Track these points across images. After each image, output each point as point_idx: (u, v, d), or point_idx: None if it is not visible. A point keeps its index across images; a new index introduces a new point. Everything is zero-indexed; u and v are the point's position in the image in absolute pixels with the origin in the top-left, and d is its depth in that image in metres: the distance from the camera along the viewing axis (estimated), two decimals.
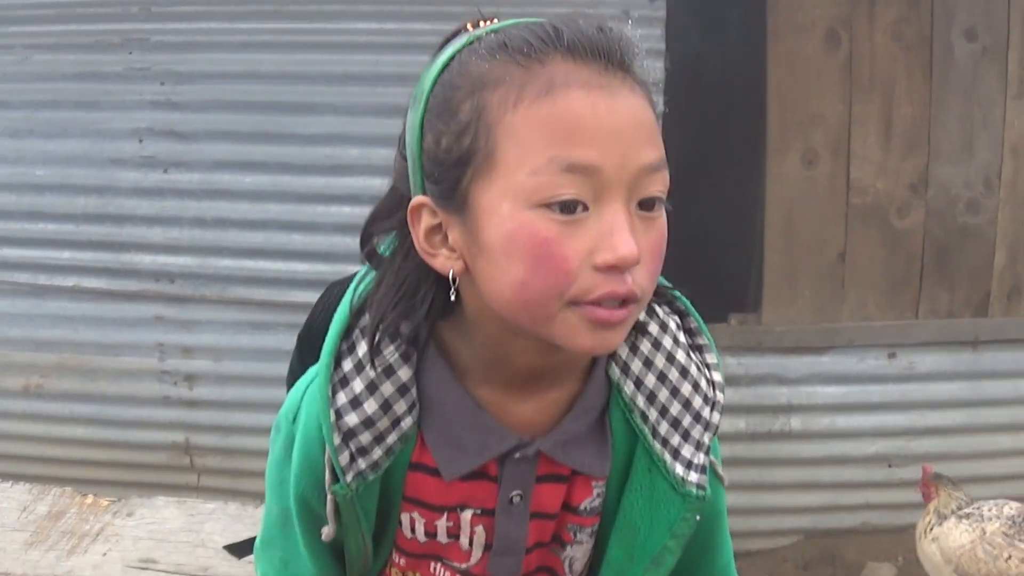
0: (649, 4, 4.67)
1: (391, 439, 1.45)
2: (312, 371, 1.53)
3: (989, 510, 3.88)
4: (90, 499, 4.20)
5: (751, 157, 4.94)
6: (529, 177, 1.24)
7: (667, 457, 1.50)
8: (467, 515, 1.52)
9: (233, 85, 4.76)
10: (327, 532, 1.51)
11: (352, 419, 1.44)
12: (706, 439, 1.53)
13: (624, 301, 1.28)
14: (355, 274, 1.54)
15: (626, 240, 1.25)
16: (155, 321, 4.98)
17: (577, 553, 1.59)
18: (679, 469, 1.50)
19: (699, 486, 1.50)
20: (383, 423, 1.44)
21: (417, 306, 1.41)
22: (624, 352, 1.48)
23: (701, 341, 1.60)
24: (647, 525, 1.53)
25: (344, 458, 1.45)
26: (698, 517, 1.53)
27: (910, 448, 5.09)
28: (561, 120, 1.24)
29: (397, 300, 1.40)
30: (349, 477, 1.45)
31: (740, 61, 4.90)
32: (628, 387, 1.48)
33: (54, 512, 4.14)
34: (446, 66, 1.33)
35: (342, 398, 1.45)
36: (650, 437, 1.49)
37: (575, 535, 1.57)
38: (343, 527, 1.53)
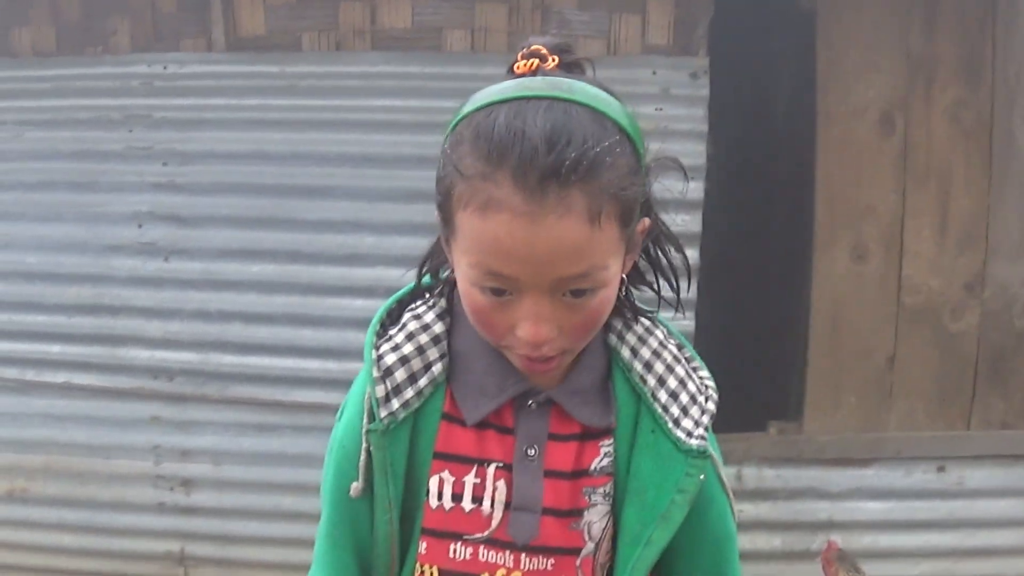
0: (691, 82, 3.39)
1: (423, 382, 1.36)
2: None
3: None
4: None
5: (797, 250, 3.64)
6: (469, 267, 1.23)
7: (668, 420, 1.35)
8: (491, 469, 1.36)
9: (240, 166, 3.44)
10: (356, 487, 1.36)
11: (391, 358, 1.36)
12: (704, 419, 1.37)
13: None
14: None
15: (532, 331, 1.23)
16: (151, 421, 3.58)
17: (594, 517, 1.37)
18: (680, 433, 1.35)
19: (700, 439, 1.34)
20: (416, 363, 1.36)
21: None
22: (619, 324, 1.39)
23: (688, 355, 1.43)
24: (655, 484, 1.35)
25: (380, 390, 1.34)
26: (702, 476, 1.34)
27: (957, 570, 3.69)
28: (487, 238, 1.18)
29: (437, 254, 1.38)
30: (383, 413, 1.34)
31: (787, 146, 3.68)
32: (625, 352, 1.38)
33: None
34: (456, 125, 1.24)
35: (385, 346, 1.37)
36: (650, 397, 1.36)
37: (589, 498, 1.37)
38: (373, 496, 1.36)
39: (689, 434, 1.34)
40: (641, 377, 1.36)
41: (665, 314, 1.43)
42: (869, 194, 3.55)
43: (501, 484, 1.35)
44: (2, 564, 3.72)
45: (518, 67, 1.26)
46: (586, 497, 1.36)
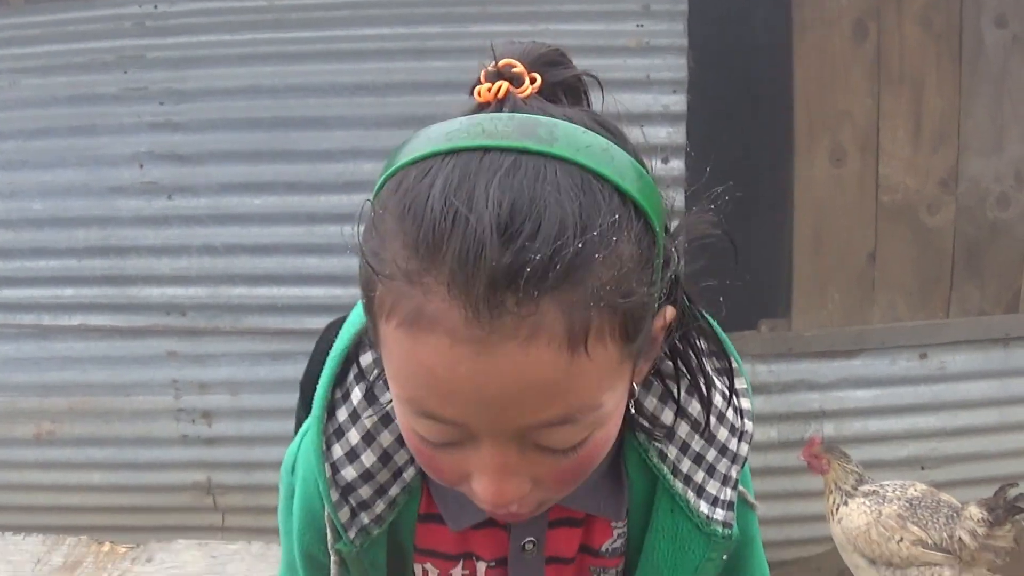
0: None
1: (394, 491, 0.97)
2: (308, 421, 0.98)
3: (893, 491, 2.86)
4: (107, 547, 3.31)
5: (778, 157, 3.39)
6: (398, 400, 0.78)
7: (690, 496, 1.00)
8: (482, 566, 1.03)
9: (236, 101, 3.12)
10: None
11: (350, 473, 0.95)
12: (733, 473, 1.01)
13: None
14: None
15: (493, 491, 0.78)
16: (168, 357, 3.31)
17: None
18: (704, 507, 1.00)
19: (725, 524, 1.01)
20: (383, 475, 0.95)
21: None
22: (635, 389, 0.89)
23: (731, 364, 1.01)
24: (671, 567, 1.03)
25: (344, 514, 0.96)
26: (724, 556, 1.03)
27: (942, 449, 3.50)
28: (417, 369, 0.71)
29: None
30: (352, 533, 0.97)
31: (765, 56, 3.41)
32: (641, 434, 0.96)
33: (70, 562, 3.24)
34: (383, 185, 0.78)
35: (338, 451, 0.95)
36: (670, 477, 0.98)
37: None
38: None
39: (715, 501, 1.02)
40: (660, 453, 0.99)
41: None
42: (845, 99, 3.29)
43: None
44: (35, 506, 3.46)
45: (479, 93, 0.78)
46: (594, 575, 1.07)
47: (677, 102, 3.14)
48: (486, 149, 0.71)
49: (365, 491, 0.97)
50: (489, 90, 0.77)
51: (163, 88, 3.14)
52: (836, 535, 2.99)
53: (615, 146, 0.76)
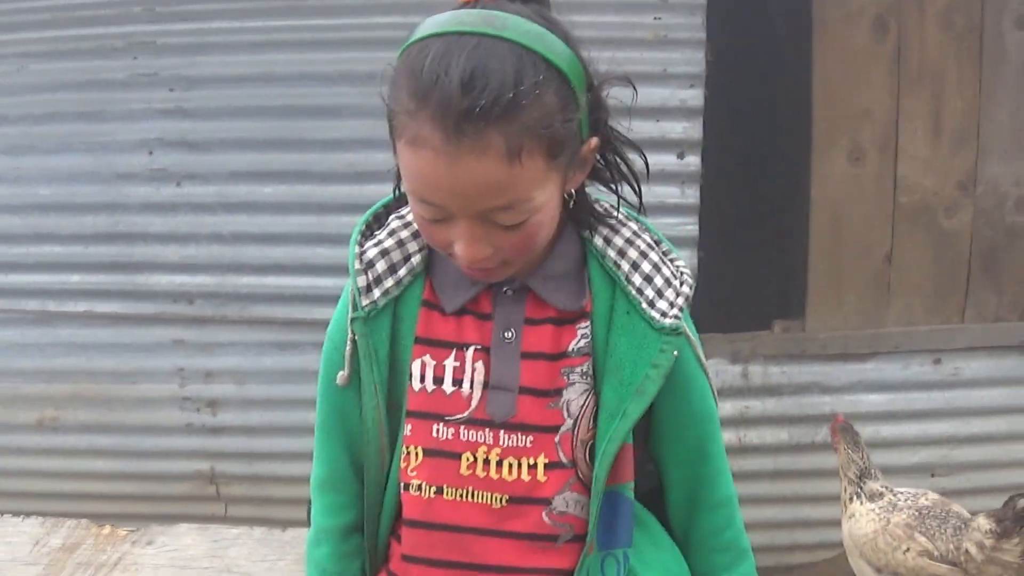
0: None
1: (402, 272, 1.30)
2: None
3: (905, 499, 2.85)
4: (107, 529, 3.23)
5: (796, 154, 3.34)
6: (407, 190, 1.19)
7: (642, 301, 1.28)
8: (470, 352, 1.29)
9: (247, 89, 3.09)
10: (342, 376, 1.32)
11: (371, 251, 1.31)
12: (679, 301, 1.29)
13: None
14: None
15: (466, 251, 1.17)
16: (174, 345, 3.28)
17: (572, 395, 1.29)
18: (655, 313, 1.27)
19: (674, 319, 1.27)
20: (396, 255, 1.31)
21: None
22: (589, 219, 1.31)
23: (665, 248, 1.35)
24: (631, 361, 1.27)
25: (362, 280, 1.29)
26: (675, 352, 1.27)
27: (954, 457, 3.46)
28: (416, 170, 1.13)
29: None
30: (364, 301, 1.29)
31: (785, 52, 3.37)
32: (598, 240, 1.30)
33: (68, 544, 3.17)
34: (401, 53, 1.17)
35: (368, 244, 1.33)
36: (624, 281, 1.29)
37: (568, 377, 1.29)
38: (360, 385, 1.31)
39: (663, 314, 1.28)
40: (615, 262, 1.29)
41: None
42: (864, 97, 3.25)
43: (480, 366, 1.29)
44: (37, 492, 3.44)
45: None
46: (564, 377, 1.29)
47: (694, 96, 3.10)
48: (460, 34, 1.09)
49: (381, 266, 1.30)
50: None
51: (173, 74, 3.11)
52: (844, 536, 2.95)
53: (549, 32, 1.13)
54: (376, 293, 1.29)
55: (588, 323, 1.30)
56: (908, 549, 2.75)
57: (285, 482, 3.35)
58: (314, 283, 3.19)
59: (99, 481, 3.43)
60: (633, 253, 1.29)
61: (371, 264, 1.29)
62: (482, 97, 1.06)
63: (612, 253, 1.29)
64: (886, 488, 2.87)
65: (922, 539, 2.74)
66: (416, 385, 1.31)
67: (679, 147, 3.11)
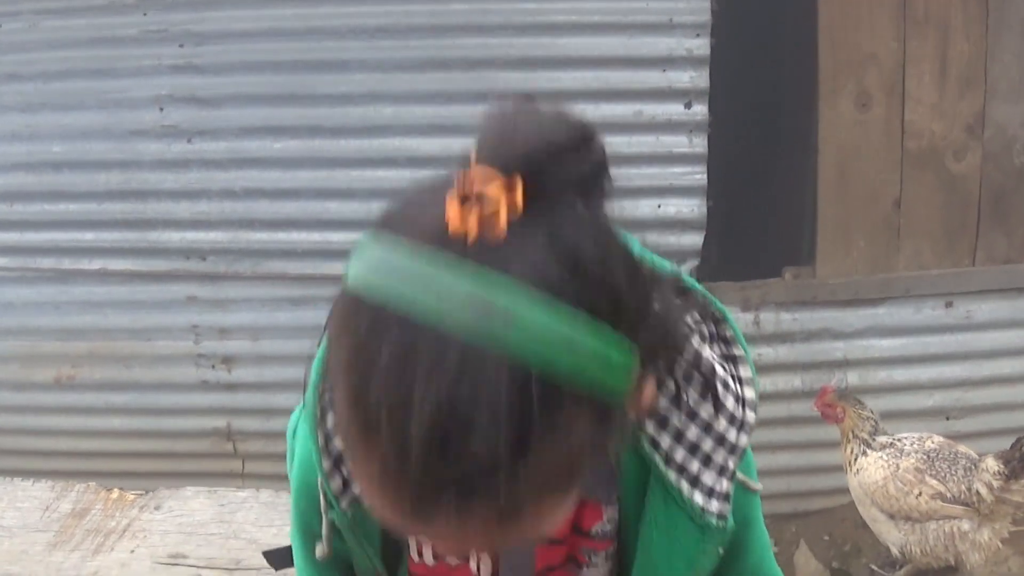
0: None
1: None
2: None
3: (911, 444, 2.87)
4: (115, 493, 3.16)
5: (802, 101, 3.36)
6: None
7: (684, 486, 0.98)
8: None
9: (257, 44, 3.10)
10: (320, 551, 1.06)
11: (340, 442, 0.93)
12: (731, 464, 0.99)
13: None
14: None
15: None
16: (188, 302, 3.32)
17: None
18: (699, 498, 0.98)
19: (720, 516, 0.99)
20: None
21: None
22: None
23: (736, 352, 1.00)
24: (665, 560, 1.03)
25: (336, 484, 0.98)
26: (720, 550, 1.02)
27: (968, 399, 3.49)
28: (368, 498, 0.77)
29: None
30: (344, 504, 0.99)
31: None
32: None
33: (78, 510, 3.13)
34: (350, 303, 0.75)
35: (331, 420, 0.94)
36: (662, 465, 0.98)
37: (590, 558, 1.06)
38: (349, 547, 1.06)
39: (710, 492, 1.00)
40: (653, 441, 0.98)
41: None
42: (870, 43, 3.25)
43: (486, 556, 1.05)
44: (55, 450, 3.49)
45: (452, 216, 0.70)
46: (586, 556, 1.08)
47: (700, 46, 3.11)
48: (436, 332, 0.68)
49: None
50: (459, 216, 0.70)
51: (183, 30, 3.13)
52: (853, 488, 2.98)
53: (578, 334, 0.71)
54: (356, 490, 0.99)
55: (616, 508, 1.05)
56: (920, 493, 2.78)
57: None
58: (326, 238, 3.22)
59: (116, 439, 3.48)
60: (678, 418, 0.98)
61: (343, 458, 0.97)
62: (457, 471, 0.69)
63: (650, 428, 0.98)
64: (894, 438, 2.90)
65: (933, 482, 2.77)
66: (415, 558, 1.09)
67: (686, 96, 3.13)
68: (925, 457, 2.82)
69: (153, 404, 3.43)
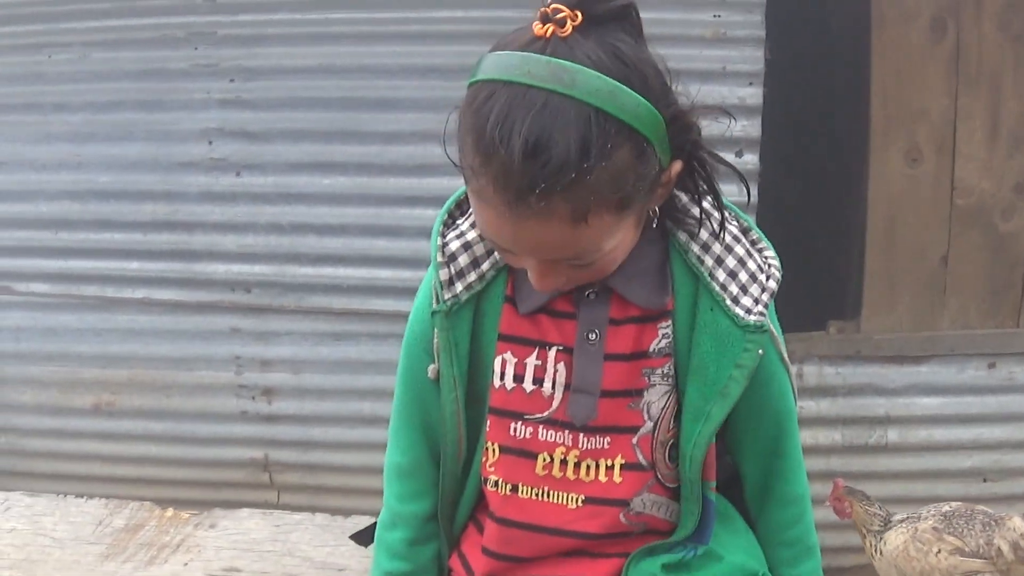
0: None
1: (485, 266, 1.29)
2: None
3: (928, 511, 2.85)
4: (170, 512, 3.37)
5: (853, 154, 3.34)
6: (477, 220, 1.17)
7: (727, 298, 1.25)
8: (552, 352, 1.27)
9: (307, 80, 3.11)
10: (432, 370, 1.32)
11: (454, 243, 1.28)
12: (764, 296, 1.26)
13: None
14: None
15: (538, 284, 1.17)
16: (231, 333, 3.33)
17: (653, 397, 1.28)
18: (739, 310, 1.25)
19: (759, 315, 1.25)
20: (479, 249, 1.28)
21: None
22: (674, 212, 1.26)
23: (754, 237, 1.32)
24: (715, 361, 1.25)
25: (444, 274, 1.27)
26: (760, 351, 1.25)
27: (1006, 462, 3.44)
28: (481, 218, 1.13)
29: None
30: (446, 295, 1.28)
31: (843, 51, 3.36)
32: (681, 235, 1.26)
33: (132, 525, 3.30)
34: (470, 86, 1.11)
35: (450, 234, 1.30)
36: (707, 275, 1.26)
37: (648, 378, 1.28)
38: (441, 377, 1.31)
39: (748, 311, 1.25)
40: (698, 257, 1.26)
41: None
42: (922, 98, 3.22)
43: (561, 367, 1.28)
44: (92, 476, 3.51)
45: (535, 28, 1.07)
46: (645, 378, 1.29)
47: (753, 95, 3.09)
48: (527, 88, 1.03)
49: (463, 259, 1.28)
50: (542, 29, 1.06)
51: (233, 65, 3.14)
52: (880, 569, 2.95)
53: (622, 85, 1.05)
54: (459, 287, 1.28)
55: (669, 322, 1.28)
56: (939, 551, 2.75)
57: (339, 471, 3.39)
58: (372, 274, 3.23)
59: (154, 466, 3.49)
60: (717, 248, 1.26)
61: (453, 257, 1.28)
62: (545, 169, 1.02)
63: (696, 248, 1.26)
64: (907, 514, 2.88)
65: (951, 538, 2.75)
66: (497, 382, 1.31)
67: (737, 145, 3.11)
68: (942, 518, 2.80)
69: (191, 433, 3.44)
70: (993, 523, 2.75)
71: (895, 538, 2.83)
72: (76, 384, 3.45)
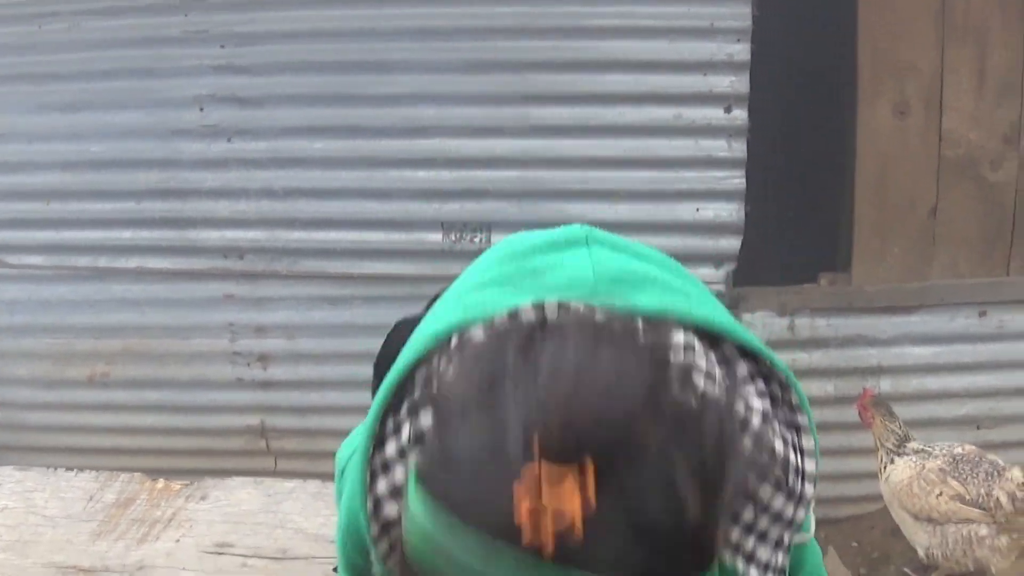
0: None
1: None
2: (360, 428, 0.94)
3: (940, 449, 2.91)
4: (161, 484, 3.17)
5: (841, 108, 3.39)
6: None
7: (739, 564, 0.90)
8: None
9: (298, 45, 3.13)
10: None
11: (393, 510, 0.86)
12: (786, 538, 0.93)
13: None
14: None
15: None
16: (225, 300, 3.35)
17: None
18: (754, 573, 0.91)
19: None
20: None
21: None
22: None
23: (800, 420, 0.94)
24: None
25: (383, 547, 0.89)
26: None
27: (1000, 409, 3.51)
28: None
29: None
30: (390, 564, 0.88)
31: (830, 5, 3.40)
32: None
33: (123, 499, 3.12)
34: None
35: (382, 486, 0.88)
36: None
37: None
38: None
39: (766, 567, 0.95)
40: None
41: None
42: (910, 51, 3.27)
43: None
44: (89, 447, 3.52)
45: (521, 521, 0.68)
46: None
47: (741, 51, 3.13)
48: None
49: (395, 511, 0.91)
50: (532, 530, 0.68)
51: (224, 31, 3.16)
52: (884, 493, 3.00)
53: None
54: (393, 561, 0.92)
55: None
56: (941, 493, 2.80)
57: (335, 436, 3.36)
58: (364, 237, 3.25)
59: (150, 436, 3.50)
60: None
61: (392, 525, 0.89)
62: None
63: None
64: (924, 446, 2.92)
65: (954, 483, 2.79)
66: None
67: (726, 101, 3.15)
68: (951, 460, 2.85)
69: (187, 402, 3.46)
70: (996, 473, 2.79)
71: (902, 471, 2.87)
72: (71, 356, 3.46)
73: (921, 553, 2.93)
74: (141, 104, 3.22)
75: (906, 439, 2.95)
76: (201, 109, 3.21)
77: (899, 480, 2.88)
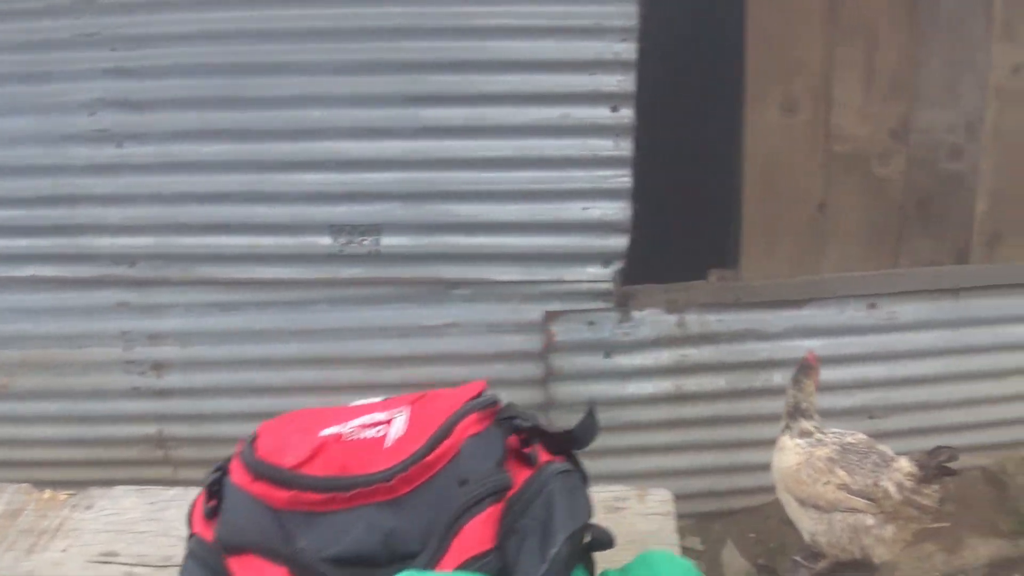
0: None
1: None
2: None
3: (832, 437, 2.90)
4: (48, 494, 2.97)
5: (729, 105, 3.43)
6: None
7: None
8: None
9: (189, 47, 3.12)
10: None
11: None
12: None
13: None
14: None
15: None
16: (118, 307, 3.33)
17: None
18: None
19: None
20: None
21: None
22: None
23: None
24: None
25: None
26: None
27: (891, 399, 3.60)
28: None
29: None
30: None
31: (719, 3, 3.45)
32: None
33: (11, 510, 2.92)
34: None
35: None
36: None
37: None
38: None
39: None
40: None
41: None
42: (798, 48, 3.33)
43: None
44: None
45: None
46: None
47: (627, 50, 3.16)
48: None
49: None
50: None
51: (115, 34, 3.14)
52: (773, 469, 3.03)
53: None
54: None
55: None
56: (828, 482, 2.83)
57: (232, 443, 3.38)
58: (254, 242, 3.26)
59: (48, 448, 3.49)
60: None
61: None
62: None
63: None
64: (816, 428, 2.95)
65: (841, 472, 2.82)
66: None
67: (613, 100, 3.19)
68: (840, 449, 2.86)
69: (85, 412, 3.45)
70: (884, 463, 2.83)
71: (790, 456, 2.91)
72: None
73: (807, 538, 2.97)
74: (31, 109, 3.20)
75: (800, 410, 2.95)
76: (91, 113, 3.19)
77: (787, 465, 2.91)
